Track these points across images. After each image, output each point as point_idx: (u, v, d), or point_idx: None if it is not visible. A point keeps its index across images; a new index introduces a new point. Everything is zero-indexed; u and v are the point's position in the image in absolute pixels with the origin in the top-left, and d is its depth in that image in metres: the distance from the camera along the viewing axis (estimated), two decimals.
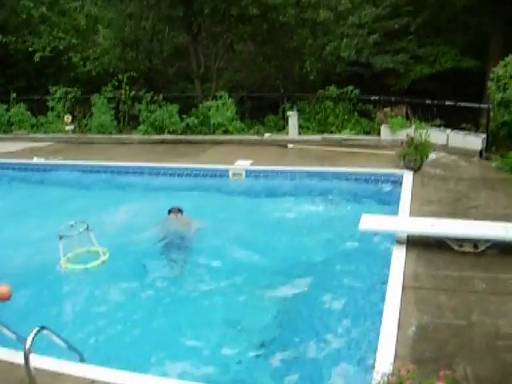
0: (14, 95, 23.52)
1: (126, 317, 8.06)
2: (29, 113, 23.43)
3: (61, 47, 24.84)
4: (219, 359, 6.90)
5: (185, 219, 11.43)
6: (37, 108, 23.73)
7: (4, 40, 24.67)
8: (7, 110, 23.49)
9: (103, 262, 9.43)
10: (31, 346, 5.00)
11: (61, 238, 9.30)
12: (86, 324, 7.79)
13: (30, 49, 24.60)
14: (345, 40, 19.92)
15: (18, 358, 5.50)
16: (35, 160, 17.35)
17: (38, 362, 5.36)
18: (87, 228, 9.43)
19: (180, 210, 11.45)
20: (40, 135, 22.07)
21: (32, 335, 5.05)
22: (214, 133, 19.39)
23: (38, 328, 5.17)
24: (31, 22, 25.54)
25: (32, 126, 23.22)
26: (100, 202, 13.71)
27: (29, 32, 25.67)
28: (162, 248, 10.69)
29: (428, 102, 16.47)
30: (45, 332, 5.40)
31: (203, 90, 22.57)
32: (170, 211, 11.43)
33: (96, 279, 9.18)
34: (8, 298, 6.12)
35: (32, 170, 17.04)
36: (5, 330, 5.97)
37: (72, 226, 9.43)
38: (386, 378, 4.57)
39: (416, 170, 13.01)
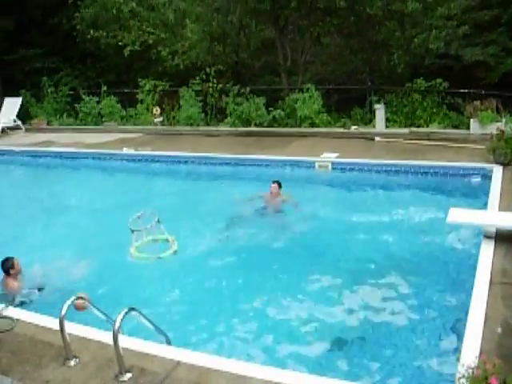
0: (105, 88, 24.32)
1: (205, 302, 8.27)
2: (119, 105, 24.14)
3: (150, 41, 25.46)
4: (297, 342, 7.02)
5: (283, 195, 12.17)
6: (126, 100, 24.46)
7: (95, 35, 25.41)
8: (98, 102, 24.25)
9: (175, 251, 9.55)
10: (120, 326, 5.18)
11: (132, 231, 9.52)
12: (169, 308, 8.03)
13: (119, 43, 25.29)
14: (434, 32, 19.62)
15: (107, 337, 5.70)
16: (124, 151, 17.81)
17: (125, 342, 5.55)
18: (158, 220, 9.61)
19: (279, 184, 12.14)
20: (129, 127, 22.64)
21: (121, 316, 5.22)
22: (300, 125, 19.35)
23: (126, 309, 5.35)
24: (121, 17, 26.27)
25: (122, 118, 23.90)
26: (188, 191, 14.15)
27: (119, 27, 26.42)
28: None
29: None
30: (133, 313, 5.58)
31: (289, 84, 22.64)
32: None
33: (177, 264, 9.45)
34: (86, 308, 6.39)
35: (122, 160, 17.57)
36: (95, 311, 6.19)
37: (139, 217, 9.62)
38: (470, 371, 4.53)
39: (506, 164, 12.68)
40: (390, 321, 7.41)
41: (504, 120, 14.67)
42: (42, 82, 26.19)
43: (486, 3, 21.27)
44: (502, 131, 12.89)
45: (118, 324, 5.15)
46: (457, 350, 5.66)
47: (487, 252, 7.95)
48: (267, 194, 12.19)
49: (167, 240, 9.77)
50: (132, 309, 5.49)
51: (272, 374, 5.36)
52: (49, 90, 26.08)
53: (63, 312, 5.45)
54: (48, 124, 24.84)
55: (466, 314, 6.25)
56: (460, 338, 5.88)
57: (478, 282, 7.00)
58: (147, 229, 9.60)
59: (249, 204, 12.15)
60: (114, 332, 5.14)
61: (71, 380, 5.34)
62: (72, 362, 5.61)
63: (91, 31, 25.40)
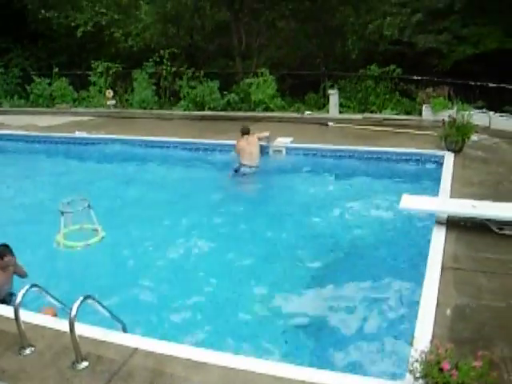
0: (56, 70, 23.83)
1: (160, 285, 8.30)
2: (71, 87, 23.70)
3: (103, 22, 24.99)
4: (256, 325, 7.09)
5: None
6: (79, 83, 24.02)
7: (47, 15, 24.87)
8: (49, 84, 23.80)
9: (102, 237, 9.44)
10: (76, 314, 5.12)
11: (62, 213, 9.28)
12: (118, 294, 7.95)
13: (72, 24, 24.75)
14: (388, 18, 19.76)
15: (62, 325, 5.66)
16: (77, 134, 17.55)
17: (82, 329, 5.51)
18: (88, 206, 9.42)
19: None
20: (82, 110, 22.29)
21: (77, 304, 5.16)
22: (254, 110, 19.38)
23: (83, 297, 5.30)
24: None
25: (74, 101, 23.50)
26: (140, 174, 14.08)
27: (71, 7, 25.84)
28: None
29: (471, 83, 16.27)
30: (89, 301, 5.55)
31: (244, 67, 22.60)
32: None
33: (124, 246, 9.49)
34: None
35: (74, 144, 17.27)
36: (51, 299, 6.14)
37: (69, 203, 9.40)
38: (423, 355, 4.62)
39: (457, 151, 12.88)
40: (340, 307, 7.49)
41: (456, 107, 14.88)
42: None
43: None
44: (454, 119, 13.04)
45: (74, 312, 5.08)
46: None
47: (439, 238, 8.09)
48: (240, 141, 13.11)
49: (95, 230, 9.59)
50: (88, 296, 5.45)
51: (230, 360, 5.38)
52: None
53: (18, 300, 5.38)
54: None
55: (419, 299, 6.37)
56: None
57: (430, 267, 7.11)
58: (77, 212, 9.34)
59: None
60: (70, 320, 5.09)
61: (27, 369, 5.27)
62: (28, 351, 5.54)
63: (42, 11, 24.85)
